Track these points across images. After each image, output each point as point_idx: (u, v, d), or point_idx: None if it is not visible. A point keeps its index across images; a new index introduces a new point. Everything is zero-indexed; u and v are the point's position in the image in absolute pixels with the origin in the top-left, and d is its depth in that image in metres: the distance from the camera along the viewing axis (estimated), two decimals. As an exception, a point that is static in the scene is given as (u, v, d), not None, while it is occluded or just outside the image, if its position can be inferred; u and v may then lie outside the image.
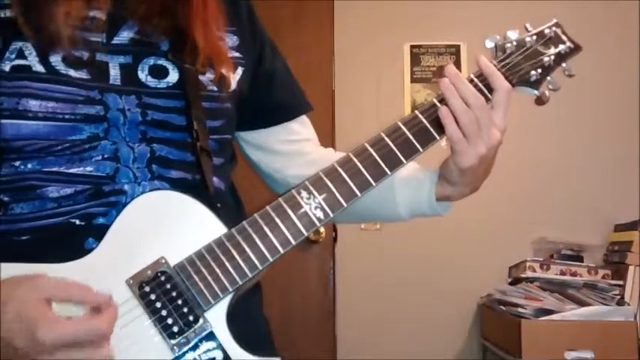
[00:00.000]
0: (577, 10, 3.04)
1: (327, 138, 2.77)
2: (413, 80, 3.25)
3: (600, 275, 2.75)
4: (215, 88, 0.98)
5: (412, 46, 3.27)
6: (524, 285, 2.72)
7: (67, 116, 0.87)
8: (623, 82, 3.19)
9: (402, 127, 0.93)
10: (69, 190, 0.87)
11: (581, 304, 2.56)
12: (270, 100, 1.12)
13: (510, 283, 2.87)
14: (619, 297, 2.62)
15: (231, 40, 1.04)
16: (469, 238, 3.14)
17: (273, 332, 1.06)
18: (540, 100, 1.01)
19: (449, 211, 1.06)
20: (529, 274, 2.76)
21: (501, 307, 2.71)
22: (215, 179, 0.97)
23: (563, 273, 2.76)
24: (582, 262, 2.91)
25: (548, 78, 1.01)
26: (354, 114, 3.12)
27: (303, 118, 1.16)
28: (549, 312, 2.53)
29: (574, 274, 2.76)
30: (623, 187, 3.11)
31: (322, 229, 2.98)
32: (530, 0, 2.83)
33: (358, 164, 0.91)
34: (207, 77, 0.97)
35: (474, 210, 3.00)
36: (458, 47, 3.23)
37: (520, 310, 2.57)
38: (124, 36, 0.93)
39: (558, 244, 3.05)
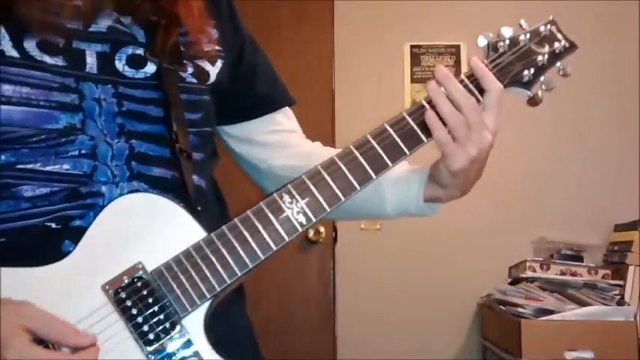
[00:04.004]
0: (577, 10, 3.04)
1: (327, 138, 2.77)
2: (413, 80, 3.25)
3: (600, 275, 2.75)
4: (194, 80, 0.97)
5: (412, 46, 3.27)
6: (524, 285, 2.72)
7: (41, 102, 0.85)
8: (623, 82, 3.18)
9: (389, 129, 0.90)
10: (44, 190, 0.85)
11: (581, 304, 2.56)
12: (253, 93, 1.10)
13: (510, 283, 2.87)
14: (619, 297, 2.62)
15: (212, 33, 1.02)
16: (469, 238, 3.14)
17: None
18: (533, 101, 0.98)
19: (438, 212, 1.03)
20: (529, 274, 2.76)
21: (501, 307, 2.71)
22: (195, 177, 0.95)
23: (563, 273, 2.76)
24: (582, 262, 2.91)
25: (542, 78, 0.98)
26: (354, 114, 3.12)
27: (286, 109, 1.15)
28: (549, 312, 2.53)
29: (574, 274, 2.76)
30: (623, 187, 3.11)
31: (322, 229, 2.98)
32: (531, 0, 2.83)
33: (343, 167, 0.88)
34: (185, 69, 0.96)
35: (474, 210, 3.01)
36: (458, 47, 3.23)
37: (520, 310, 2.57)
38: (103, 24, 0.91)
39: (558, 244, 3.05)
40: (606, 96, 3.19)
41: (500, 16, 2.91)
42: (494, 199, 3.06)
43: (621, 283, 2.68)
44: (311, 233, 2.96)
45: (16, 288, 0.77)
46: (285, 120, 1.15)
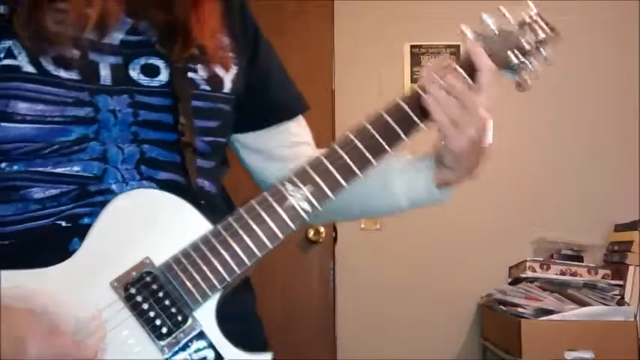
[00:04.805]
0: (577, 10, 3.05)
1: (327, 138, 2.76)
2: (413, 80, 3.25)
3: (600, 275, 2.75)
4: (208, 87, 0.96)
5: (412, 46, 3.27)
6: (524, 285, 2.73)
7: (56, 119, 0.85)
8: (623, 82, 3.19)
9: (385, 115, 0.93)
10: (54, 191, 0.85)
11: (581, 304, 2.56)
12: (267, 99, 1.10)
13: (510, 283, 2.87)
14: (619, 297, 2.62)
15: (225, 39, 1.02)
16: (469, 238, 3.14)
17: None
18: (521, 87, 1.01)
19: (450, 200, 1.05)
20: (529, 274, 2.76)
21: (501, 307, 2.71)
22: (206, 183, 0.96)
23: (563, 273, 2.77)
24: (582, 262, 2.91)
25: (529, 65, 1.01)
26: (354, 114, 3.10)
27: (300, 118, 1.14)
28: (549, 312, 2.53)
29: (574, 274, 2.76)
30: (623, 187, 3.11)
31: (322, 229, 2.98)
32: (531, 0, 2.83)
33: (343, 155, 0.90)
34: (199, 75, 0.96)
35: (474, 210, 3.01)
36: (458, 47, 3.23)
37: (520, 310, 2.57)
38: (116, 35, 0.91)
39: (558, 244, 3.05)
40: (606, 96, 3.19)
41: (500, 16, 2.90)
42: (494, 199, 3.06)
43: (621, 283, 2.68)
44: (311, 233, 2.96)
45: (25, 289, 0.76)
46: (299, 130, 1.13)
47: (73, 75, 0.86)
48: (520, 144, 3.07)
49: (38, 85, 0.84)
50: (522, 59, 1.00)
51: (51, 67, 0.85)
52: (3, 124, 0.83)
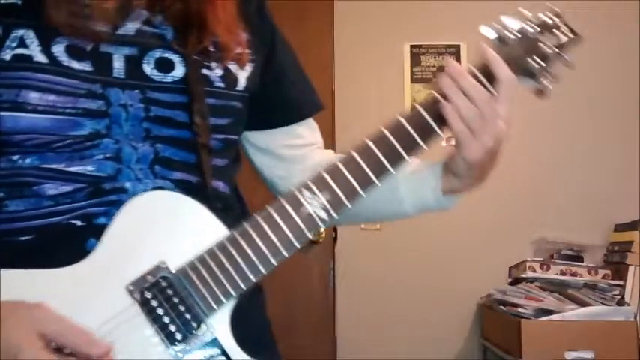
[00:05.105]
0: (577, 10, 3.04)
1: (328, 138, 2.76)
2: (413, 80, 3.25)
3: (600, 275, 2.75)
4: (222, 85, 0.95)
5: (412, 46, 3.27)
6: (524, 285, 2.73)
7: (67, 110, 0.84)
8: (623, 82, 3.19)
9: (404, 123, 0.90)
10: (68, 188, 0.84)
11: (581, 304, 2.56)
12: (279, 99, 1.08)
13: (510, 283, 2.87)
14: (619, 297, 2.62)
15: (242, 35, 1.00)
16: (469, 238, 3.15)
17: (274, 332, 1.05)
18: (541, 92, 0.98)
19: (455, 206, 1.04)
20: (529, 274, 2.77)
21: (501, 307, 2.72)
22: (220, 184, 0.95)
23: (563, 273, 2.77)
24: (582, 262, 2.91)
25: (549, 69, 0.97)
26: (354, 114, 3.12)
27: (310, 121, 1.13)
28: (549, 312, 2.54)
29: (574, 274, 2.76)
30: (623, 187, 3.11)
31: (322, 229, 2.98)
32: (531, 0, 2.83)
33: (361, 162, 0.88)
34: (214, 73, 0.94)
35: (473, 210, 3.01)
36: (458, 47, 3.24)
37: (520, 310, 2.58)
38: (131, 26, 0.90)
39: (558, 244, 3.05)
40: (606, 96, 3.19)
41: (500, 16, 2.91)
42: (494, 199, 3.06)
43: (621, 283, 2.69)
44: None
45: (38, 290, 0.77)
46: (306, 132, 1.12)
47: (85, 66, 0.85)
48: (520, 144, 3.07)
49: (50, 75, 0.83)
50: (543, 65, 0.96)
51: (63, 58, 0.85)
52: (14, 113, 0.83)
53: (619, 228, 3.00)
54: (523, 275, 2.79)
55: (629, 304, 2.59)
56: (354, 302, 3.14)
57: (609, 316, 2.53)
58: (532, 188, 3.18)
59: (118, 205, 0.84)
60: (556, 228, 3.11)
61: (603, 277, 2.74)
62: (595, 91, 3.17)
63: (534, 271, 2.77)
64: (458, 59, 3.23)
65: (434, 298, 3.14)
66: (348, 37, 3.20)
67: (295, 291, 3.01)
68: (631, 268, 2.70)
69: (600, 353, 2.45)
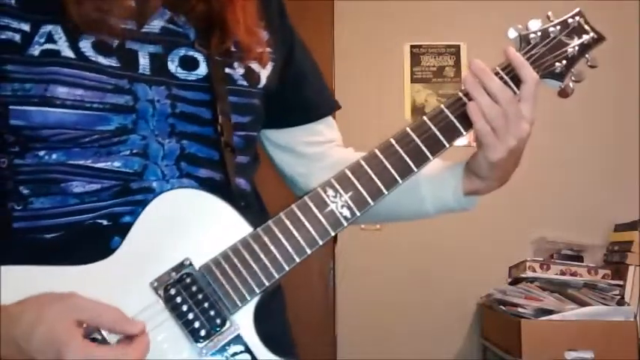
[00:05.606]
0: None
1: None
2: (413, 80, 3.25)
3: (600, 275, 2.75)
4: (245, 83, 0.96)
5: (412, 46, 3.27)
6: (524, 285, 2.73)
7: (95, 105, 0.84)
8: (624, 82, 3.19)
9: (428, 122, 0.91)
10: (94, 187, 0.85)
11: (581, 304, 2.56)
12: (299, 98, 1.09)
13: (510, 283, 2.87)
14: (619, 297, 2.62)
15: (263, 35, 1.01)
16: (469, 238, 3.15)
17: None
18: (564, 92, 0.99)
19: (475, 206, 1.05)
20: (529, 274, 2.77)
21: (501, 307, 2.72)
22: (242, 181, 0.95)
23: (563, 273, 2.77)
24: (582, 262, 2.92)
25: (572, 69, 0.99)
26: (355, 114, 3.12)
27: (329, 119, 1.14)
28: (549, 312, 2.54)
29: (574, 274, 2.76)
30: (623, 187, 3.12)
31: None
32: (531, 0, 2.83)
33: (384, 161, 0.89)
34: (237, 71, 0.95)
35: (474, 210, 3.01)
36: (458, 47, 3.24)
37: (520, 310, 2.58)
38: (155, 24, 0.91)
39: (558, 244, 3.06)
40: (606, 96, 3.19)
41: (500, 16, 2.91)
42: (494, 199, 3.05)
43: (621, 283, 2.69)
44: (311, 233, 2.96)
45: (64, 287, 0.77)
46: (325, 130, 1.13)
47: (112, 62, 0.86)
48: (520, 144, 3.07)
49: (77, 70, 0.84)
50: (567, 65, 0.98)
51: (90, 53, 0.85)
52: (42, 108, 0.83)
53: (619, 228, 3.00)
54: (523, 275, 2.79)
55: (629, 304, 2.59)
56: (354, 302, 3.14)
57: (609, 316, 2.53)
58: (532, 188, 3.18)
59: (143, 204, 0.84)
60: (556, 228, 3.11)
61: (603, 277, 2.75)
62: (595, 90, 3.17)
63: (534, 271, 2.78)
64: (458, 59, 3.23)
65: (434, 298, 3.14)
66: (348, 37, 3.20)
67: (295, 291, 3.01)
68: (631, 268, 2.70)
69: (600, 353, 2.45)
